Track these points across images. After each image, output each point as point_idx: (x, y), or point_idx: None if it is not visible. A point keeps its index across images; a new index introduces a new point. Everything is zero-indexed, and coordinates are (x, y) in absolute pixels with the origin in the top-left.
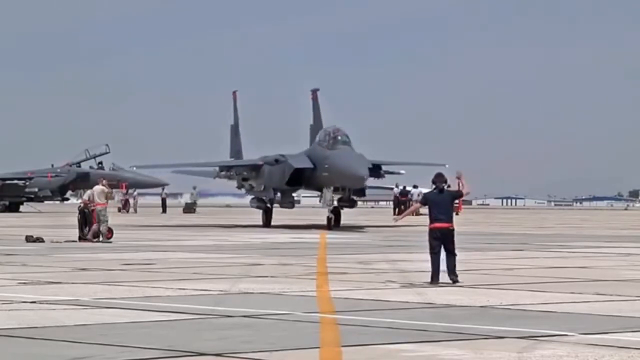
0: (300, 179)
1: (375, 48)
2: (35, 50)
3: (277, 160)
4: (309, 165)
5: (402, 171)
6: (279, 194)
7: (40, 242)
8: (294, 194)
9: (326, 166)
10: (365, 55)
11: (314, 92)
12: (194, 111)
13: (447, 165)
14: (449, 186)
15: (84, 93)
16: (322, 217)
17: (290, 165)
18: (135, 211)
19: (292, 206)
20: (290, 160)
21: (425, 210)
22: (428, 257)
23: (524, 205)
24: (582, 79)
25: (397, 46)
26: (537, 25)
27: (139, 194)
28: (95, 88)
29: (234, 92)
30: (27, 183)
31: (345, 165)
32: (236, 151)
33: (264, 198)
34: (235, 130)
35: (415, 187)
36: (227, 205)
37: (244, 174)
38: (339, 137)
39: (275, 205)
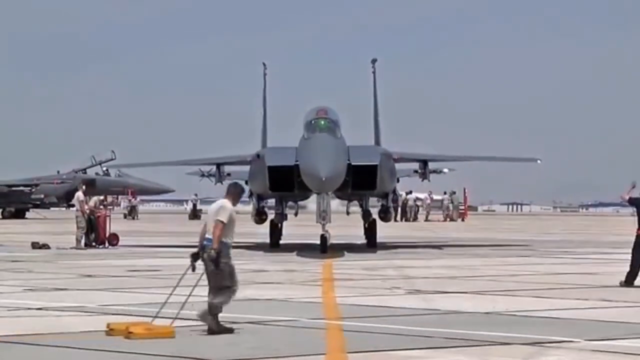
0: (288, 181)
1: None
2: (42, 55)
3: (258, 156)
4: (288, 162)
5: (446, 170)
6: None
7: (46, 248)
8: (289, 202)
9: (297, 162)
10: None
11: (373, 62)
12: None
13: (539, 161)
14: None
15: (91, 99)
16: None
17: (264, 163)
18: (137, 217)
19: (282, 219)
20: (267, 156)
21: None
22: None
23: (530, 211)
24: (587, 83)
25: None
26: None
27: (142, 201)
28: (102, 94)
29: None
30: (33, 189)
31: (307, 161)
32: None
33: (259, 208)
34: (264, 113)
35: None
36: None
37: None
38: (321, 122)
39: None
